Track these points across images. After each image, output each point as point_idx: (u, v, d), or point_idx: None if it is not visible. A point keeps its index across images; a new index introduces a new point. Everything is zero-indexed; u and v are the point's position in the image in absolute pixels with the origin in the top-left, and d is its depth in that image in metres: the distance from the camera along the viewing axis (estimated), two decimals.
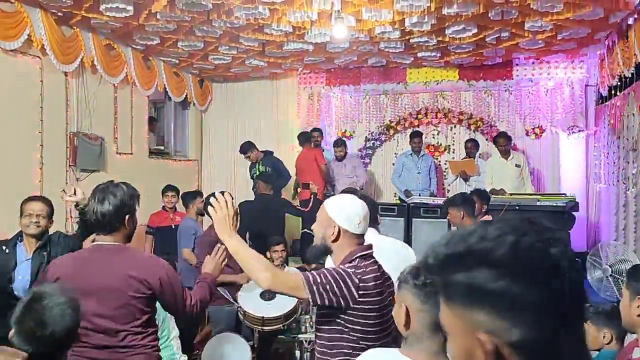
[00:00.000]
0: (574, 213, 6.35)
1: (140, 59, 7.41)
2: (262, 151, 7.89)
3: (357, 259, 2.32)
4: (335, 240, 2.36)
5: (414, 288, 1.76)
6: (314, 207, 7.49)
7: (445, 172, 8.62)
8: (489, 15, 5.75)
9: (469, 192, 5.82)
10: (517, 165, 7.24)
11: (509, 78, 8.25)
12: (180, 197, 6.52)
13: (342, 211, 2.37)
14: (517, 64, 8.16)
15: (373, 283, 2.28)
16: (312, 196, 7.18)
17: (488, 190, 7.08)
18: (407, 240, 6.19)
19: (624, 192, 6.28)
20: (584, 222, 7.79)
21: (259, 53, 7.39)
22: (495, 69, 8.19)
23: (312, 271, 2.31)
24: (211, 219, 2.34)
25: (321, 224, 2.39)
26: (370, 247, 2.41)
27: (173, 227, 6.28)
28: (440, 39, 6.63)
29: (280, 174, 7.58)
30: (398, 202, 7.90)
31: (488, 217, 5.21)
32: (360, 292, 2.24)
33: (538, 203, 6.32)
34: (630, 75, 5.78)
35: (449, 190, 8.19)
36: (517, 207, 6.26)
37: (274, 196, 6.88)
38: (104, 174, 6.67)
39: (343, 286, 2.22)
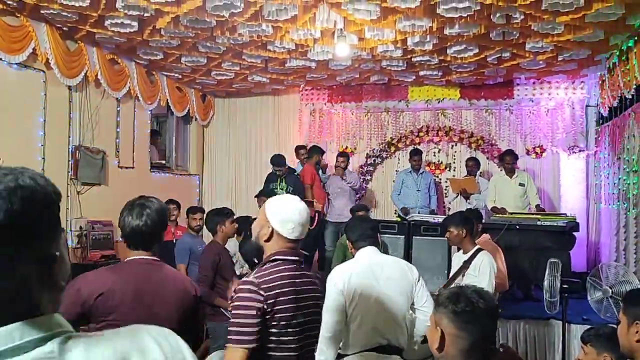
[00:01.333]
0: (574, 233, 6.34)
1: (144, 74, 7.46)
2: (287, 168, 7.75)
3: (271, 262, 2.34)
4: (267, 240, 2.39)
5: (452, 314, 1.77)
6: (319, 224, 7.48)
7: (445, 190, 8.63)
8: (490, 35, 5.80)
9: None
10: (521, 185, 7.23)
11: (509, 97, 8.30)
12: (205, 216, 6.19)
13: (279, 214, 2.38)
14: (518, 84, 8.21)
15: (279, 283, 2.27)
16: (316, 214, 7.15)
17: (490, 208, 7.11)
18: (407, 257, 6.17)
19: (624, 213, 6.28)
20: (584, 243, 7.77)
21: (261, 69, 7.44)
22: (496, 88, 8.25)
23: (229, 328, 2.22)
24: None
25: (259, 222, 2.41)
26: (297, 254, 2.42)
27: (174, 241, 6.27)
28: (442, 58, 6.68)
29: (274, 190, 7.36)
30: (398, 219, 7.89)
31: (486, 236, 5.21)
32: (267, 302, 2.22)
33: (538, 223, 6.30)
34: (630, 97, 5.81)
35: (449, 208, 8.19)
36: (518, 227, 6.25)
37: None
38: (105, 187, 6.69)
39: (250, 312, 2.19)
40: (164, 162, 8.66)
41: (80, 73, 6.22)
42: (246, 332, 2.17)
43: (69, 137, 6.28)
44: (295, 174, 7.89)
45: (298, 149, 8.34)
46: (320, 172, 8.11)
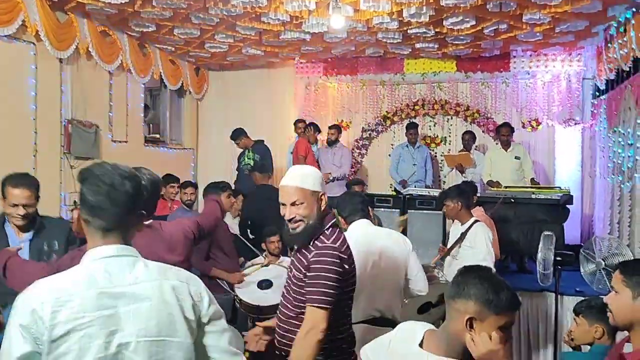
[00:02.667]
0: (568, 206, 6.36)
1: (136, 46, 7.35)
2: (254, 140, 7.83)
3: (332, 227, 2.47)
4: (324, 210, 2.46)
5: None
6: None
7: (441, 163, 8.62)
8: (487, 7, 5.73)
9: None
10: (517, 158, 7.22)
11: (506, 70, 8.23)
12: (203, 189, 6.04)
13: (321, 178, 2.48)
14: (514, 56, 8.15)
15: (347, 247, 2.47)
16: None
17: (485, 181, 7.12)
18: (402, 231, 6.19)
19: (618, 186, 6.29)
20: (578, 215, 7.81)
21: (255, 42, 7.34)
22: (492, 60, 8.18)
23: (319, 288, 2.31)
24: None
25: (307, 202, 2.40)
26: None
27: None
28: (438, 30, 6.60)
29: (264, 163, 7.38)
30: (393, 193, 7.91)
31: (480, 209, 5.22)
32: (350, 265, 2.46)
33: (533, 196, 6.32)
34: (627, 69, 5.77)
35: (444, 182, 8.19)
36: (512, 200, 6.27)
37: (273, 187, 6.81)
38: (98, 161, 6.64)
39: (335, 276, 2.33)
40: (158, 136, 8.60)
41: (71, 45, 6.12)
42: (330, 293, 2.28)
43: (61, 110, 6.21)
44: (263, 143, 7.87)
45: (297, 122, 8.31)
46: (314, 148, 8.14)
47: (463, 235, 4.39)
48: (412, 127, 8.03)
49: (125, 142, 7.32)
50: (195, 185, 6.38)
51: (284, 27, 6.59)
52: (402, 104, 8.89)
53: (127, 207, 1.60)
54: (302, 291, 2.37)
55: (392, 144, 8.82)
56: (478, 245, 4.26)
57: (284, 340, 2.46)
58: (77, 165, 6.33)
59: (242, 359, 1.76)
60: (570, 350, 3.29)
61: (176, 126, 9.16)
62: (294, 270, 2.48)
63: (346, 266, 2.36)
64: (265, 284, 4.43)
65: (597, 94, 7.63)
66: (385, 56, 8.28)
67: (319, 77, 8.95)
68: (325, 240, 2.37)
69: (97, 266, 1.56)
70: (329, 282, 2.28)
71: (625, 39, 5.62)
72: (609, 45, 6.41)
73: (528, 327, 5.51)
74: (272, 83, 9.23)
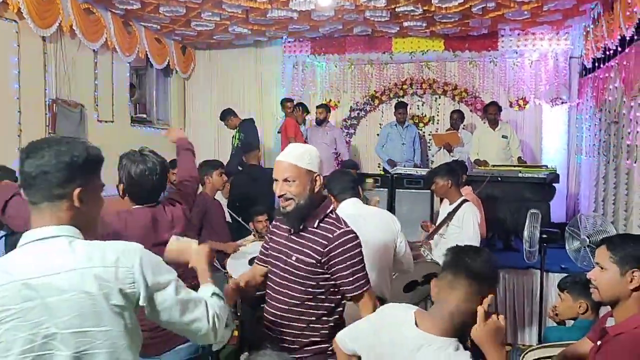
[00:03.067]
0: (554, 185, 6.43)
1: (121, 24, 7.24)
2: (242, 119, 7.79)
3: (333, 214, 2.45)
4: (319, 191, 2.41)
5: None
6: None
7: (429, 143, 8.65)
8: None
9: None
10: (504, 137, 7.26)
11: (494, 49, 8.22)
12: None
13: (318, 158, 2.41)
14: (502, 35, 8.13)
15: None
16: None
17: (473, 160, 7.16)
18: (390, 210, 6.22)
19: (604, 165, 6.35)
20: (564, 194, 7.90)
21: (242, 20, 7.26)
22: (480, 39, 8.16)
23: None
24: None
25: (300, 181, 2.31)
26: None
27: None
28: (426, 8, 6.56)
29: (249, 142, 7.32)
30: (382, 172, 7.93)
31: (468, 188, 5.26)
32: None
33: (520, 175, 6.37)
34: (614, 48, 5.79)
35: (432, 162, 8.23)
36: (500, 179, 6.32)
37: (262, 167, 6.81)
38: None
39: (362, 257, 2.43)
40: (144, 115, 8.52)
41: (54, 23, 6.00)
42: (366, 274, 2.37)
43: (45, 89, 6.11)
44: (251, 122, 7.82)
45: (285, 101, 8.27)
46: (302, 128, 8.11)
47: (451, 214, 4.42)
48: (400, 107, 8.02)
49: (112, 122, 7.24)
50: None
51: (270, 5, 6.51)
52: (390, 83, 8.87)
53: (57, 180, 1.54)
54: (314, 276, 2.32)
55: (380, 124, 8.82)
56: (465, 225, 4.28)
57: (286, 330, 2.37)
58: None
59: (209, 324, 1.67)
60: (555, 325, 3.35)
61: (163, 106, 9.07)
62: (295, 254, 2.36)
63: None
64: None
65: (584, 72, 7.66)
66: (373, 35, 8.23)
67: (307, 56, 8.89)
68: (341, 225, 2.36)
69: (25, 251, 1.52)
70: (363, 264, 2.36)
71: (612, 17, 5.62)
72: (596, 23, 6.42)
73: (514, 304, 5.60)
74: (259, 62, 9.15)
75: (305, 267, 2.34)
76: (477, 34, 8.03)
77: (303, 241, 2.36)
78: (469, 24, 7.37)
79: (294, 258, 2.37)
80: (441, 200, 4.83)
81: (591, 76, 7.13)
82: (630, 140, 5.28)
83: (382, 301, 3.21)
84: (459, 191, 4.54)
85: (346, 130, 8.96)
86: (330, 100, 8.99)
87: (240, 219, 5.17)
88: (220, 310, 1.73)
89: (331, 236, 2.31)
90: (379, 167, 8.60)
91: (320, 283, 2.34)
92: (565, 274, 3.75)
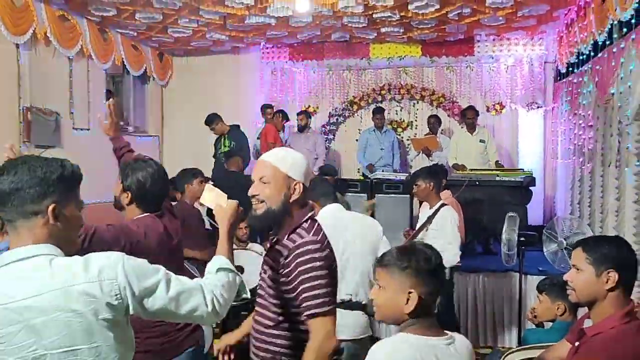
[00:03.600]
0: (531, 188, 6.51)
1: (97, 31, 7.16)
2: (229, 125, 7.74)
3: (311, 220, 2.18)
4: (297, 200, 2.13)
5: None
6: None
7: (407, 147, 8.70)
8: None
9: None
10: (482, 141, 7.35)
11: (470, 54, 8.31)
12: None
13: (302, 166, 2.15)
14: (478, 41, 8.22)
15: (328, 241, 2.23)
16: None
17: (451, 164, 7.22)
18: (370, 215, 6.24)
19: (579, 168, 6.45)
20: (541, 197, 8.00)
21: (220, 26, 7.23)
22: (457, 45, 8.24)
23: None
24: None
25: (276, 185, 2.10)
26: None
27: None
28: (403, 14, 6.61)
29: (241, 151, 7.38)
30: (361, 178, 7.95)
31: (447, 192, 5.30)
32: (333, 259, 2.24)
33: (497, 178, 6.45)
34: (587, 52, 5.89)
35: (411, 166, 8.27)
36: (477, 183, 6.38)
37: (243, 174, 6.76)
38: (60, 149, 6.47)
39: (326, 272, 2.11)
40: (121, 123, 8.42)
41: (28, 30, 5.91)
42: (329, 292, 2.03)
43: (20, 97, 6.01)
44: (238, 129, 7.82)
45: (266, 107, 8.24)
46: (282, 134, 8.11)
47: (430, 218, 4.44)
48: (378, 112, 8.06)
49: (88, 129, 7.14)
50: None
51: (248, 11, 6.50)
52: (368, 89, 8.92)
53: (30, 196, 1.51)
54: (282, 295, 2.10)
55: (359, 129, 8.85)
56: (445, 228, 4.31)
57: (261, 354, 2.17)
58: (38, 154, 6.16)
59: (207, 308, 1.64)
60: (534, 327, 3.38)
61: (140, 113, 8.99)
62: (268, 271, 2.18)
63: (331, 256, 2.14)
64: (236, 269, 4.40)
65: (559, 77, 7.79)
66: (351, 41, 8.27)
67: (285, 62, 8.89)
68: (305, 234, 2.08)
69: (4, 273, 1.48)
70: (323, 281, 2.01)
71: (585, 22, 5.72)
72: (570, 29, 6.54)
73: (494, 306, 5.64)
74: (237, 68, 9.12)
75: (273, 284, 2.15)
76: (454, 40, 8.11)
77: (273, 254, 2.17)
78: (446, 29, 7.44)
79: (266, 275, 2.19)
80: (420, 204, 4.85)
81: (565, 81, 7.25)
82: (604, 144, 5.38)
83: (363, 306, 3.23)
84: (438, 195, 4.57)
85: (325, 136, 8.98)
86: (309, 106, 9.00)
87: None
88: (224, 288, 1.71)
89: (291, 246, 2.07)
90: (358, 172, 8.62)
91: (291, 303, 2.08)
92: (544, 276, 3.79)
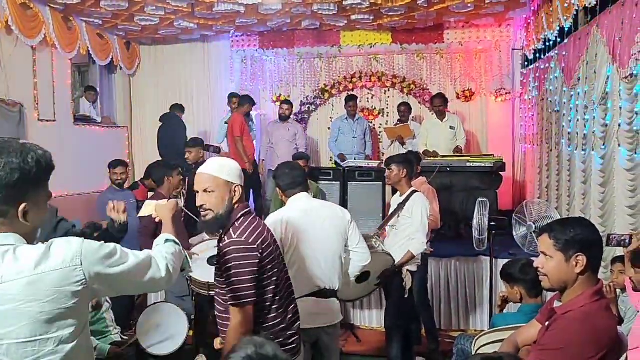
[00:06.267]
0: (501, 173, 6.61)
1: (60, 20, 6.97)
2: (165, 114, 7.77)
3: (244, 216, 2.45)
4: (240, 201, 2.46)
5: None
6: (252, 176, 7.44)
7: (380, 135, 8.73)
8: None
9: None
10: (452, 128, 7.42)
11: (440, 42, 8.36)
12: (150, 167, 5.44)
13: (237, 170, 2.48)
14: (447, 28, 8.28)
15: (263, 236, 2.47)
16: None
17: (422, 151, 7.27)
18: (343, 203, 6.26)
19: (546, 153, 6.57)
20: (511, 182, 8.13)
21: (188, 14, 7.11)
22: (427, 32, 8.28)
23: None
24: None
25: (219, 193, 2.41)
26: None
27: None
28: (372, 1, 6.61)
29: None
30: (333, 166, 7.95)
31: (423, 179, 5.34)
32: (263, 256, 2.46)
33: (468, 164, 6.52)
34: (554, 39, 5.98)
35: (384, 154, 8.31)
36: (449, 169, 6.45)
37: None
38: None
39: (251, 270, 2.40)
40: (88, 114, 8.25)
41: None
42: (249, 287, 2.31)
43: None
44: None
45: (232, 96, 8.13)
46: (250, 123, 8.01)
47: (401, 205, 4.47)
48: (350, 100, 8.05)
49: (53, 121, 6.97)
50: (125, 164, 6.07)
51: None
52: (339, 77, 8.90)
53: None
54: (223, 285, 2.40)
55: (331, 117, 8.84)
56: (414, 215, 4.34)
57: (222, 331, 2.51)
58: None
59: (162, 274, 1.74)
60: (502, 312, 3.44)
61: (108, 103, 8.81)
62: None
63: (258, 254, 2.34)
64: (215, 260, 4.36)
65: (527, 63, 7.89)
66: (321, 29, 8.23)
67: (255, 50, 8.81)
68: (233, 234, 2.36)
69: None
70: (244, 278, 2.30)
71: (551, 9, 5.80)
72: (536, 15, 6.62)
73: (465, 291, 5.73)
74: (207, 57, 9.02)
75: (218, 278, 2.46)
76: (424, 27, 8.15)
77: (218, 250, 2.47)
78: (415, 16, 7.46)
79: (217, 268, 2.50)
80: (393, 192, 4.87)
81: (533, 67, 7.35)
82: (570, 128, 5.48)
83: (335, 293, 3.24)
84: (410, 183, 4.59)
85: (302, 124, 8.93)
86: (281, 94, 8.95)
87: (197, 218, 5.09)
88: (173, 256, 1.85)
89: (221, 245, 2.39)
90: (330, 160, 8.63)
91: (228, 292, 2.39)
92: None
